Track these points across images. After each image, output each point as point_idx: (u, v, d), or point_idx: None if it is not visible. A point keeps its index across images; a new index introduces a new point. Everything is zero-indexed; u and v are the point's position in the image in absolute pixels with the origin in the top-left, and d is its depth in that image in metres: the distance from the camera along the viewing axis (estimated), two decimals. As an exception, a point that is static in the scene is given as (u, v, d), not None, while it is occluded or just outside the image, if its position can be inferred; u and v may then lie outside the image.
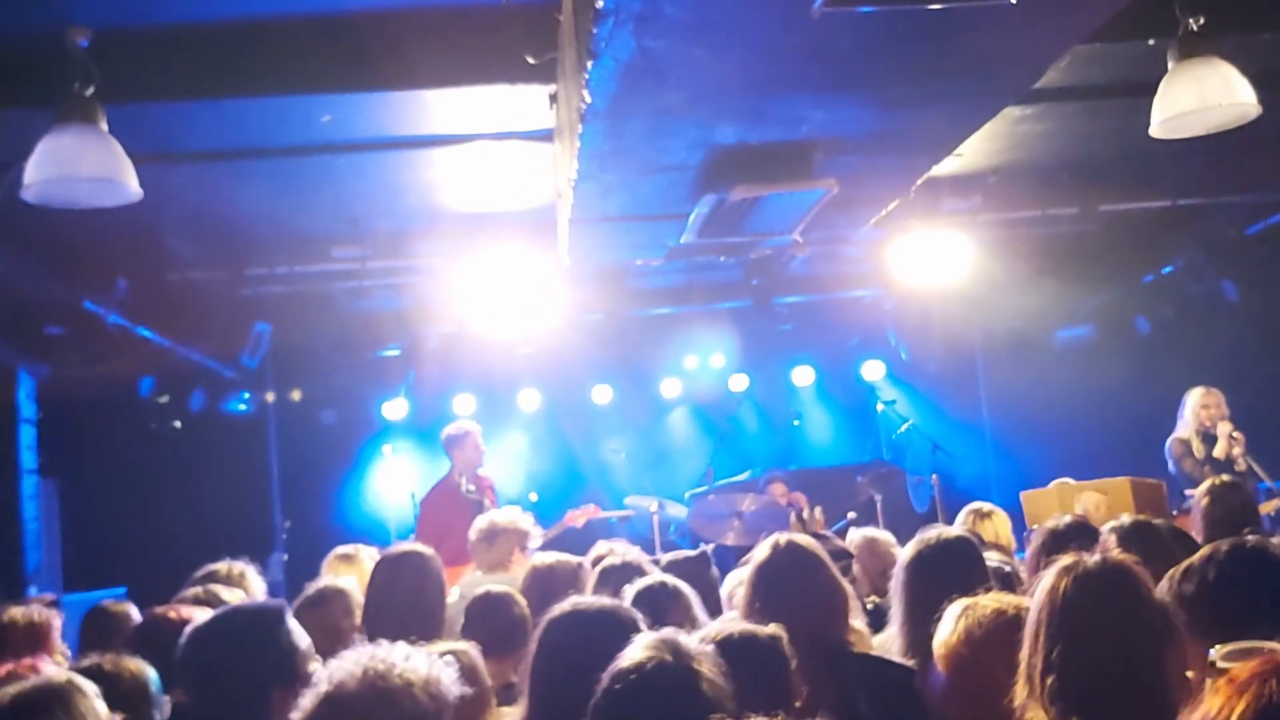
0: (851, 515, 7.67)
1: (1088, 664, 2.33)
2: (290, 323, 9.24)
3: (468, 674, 2.64)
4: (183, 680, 2.90)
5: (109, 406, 9.59)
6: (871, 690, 3.19)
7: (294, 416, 10.99)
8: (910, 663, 3.26)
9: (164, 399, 9.72)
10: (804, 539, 3.56)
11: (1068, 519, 4.24)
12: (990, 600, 2.89)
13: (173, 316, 8.33)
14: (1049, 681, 2.34)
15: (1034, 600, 2.48)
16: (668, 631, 2.38)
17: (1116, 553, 2.53)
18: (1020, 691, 2.42)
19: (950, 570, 3.39)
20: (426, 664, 2.25)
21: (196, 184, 6.79)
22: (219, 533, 8.75)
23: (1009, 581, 4.02)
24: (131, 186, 4.92)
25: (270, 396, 10.59)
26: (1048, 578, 2.47)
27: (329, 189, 7.22)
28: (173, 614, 3.54)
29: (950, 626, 2.84)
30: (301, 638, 2.92)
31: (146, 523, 9.30)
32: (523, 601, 4.09)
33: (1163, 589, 2.60)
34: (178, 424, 10.09)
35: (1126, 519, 4.06)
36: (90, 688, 2.46)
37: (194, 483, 9.60)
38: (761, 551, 3.54)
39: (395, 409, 11.38)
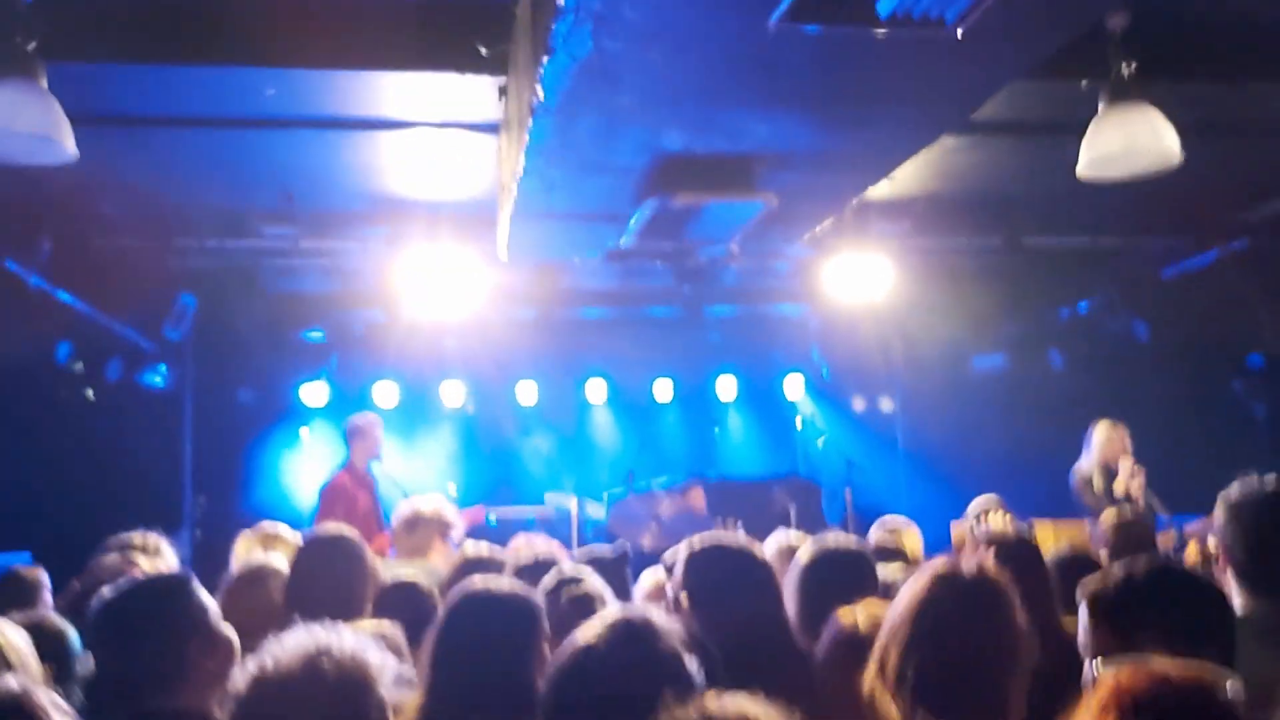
0: (737, 523, 7.76)
1: (941, 664, 2.43)
2: (214, 298, 9.10)
3: (396, 655, 2.67)
4: (97, 645, 2.90)
5: (22, 371, 9.35)
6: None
7: (211, 393, 10.81)
8: None
9: (79, 366, 9.50)
10: (731, 536, 3.63)
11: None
12: (870, 607, 2.99)
13: (96, 283, 8.16)
14: (903, 672, 2.43)
15: (903, 596, 2.57)
16: (629, 607, 2.40)
17: (991, 567, 2.64)
18: (870, 675, 2.50)
19: (841, 576, 3.49)
20: (364, 646, 2.25)
21: (132, 149, 6.69)
22: (126, 505, 8.62)
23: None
24: (68, 146, 4.85)
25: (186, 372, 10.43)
26: (921, 578, 2.57)
27: (266, 164, 7.16)
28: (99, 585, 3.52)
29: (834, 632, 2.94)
30: (210, 601, 2.96)
31: (52, 489, 9.08)
32: (433, 591, 4.11)
33: (1079, 596, 2.71)
34: (91, 393, 9.87)
35: (1011, 536, 4.18)
36: (20, 636, 2.46)
37: (104, 453, 9.40)
38: (683, 551, 3.59)
39: (315, 393, 11.26)
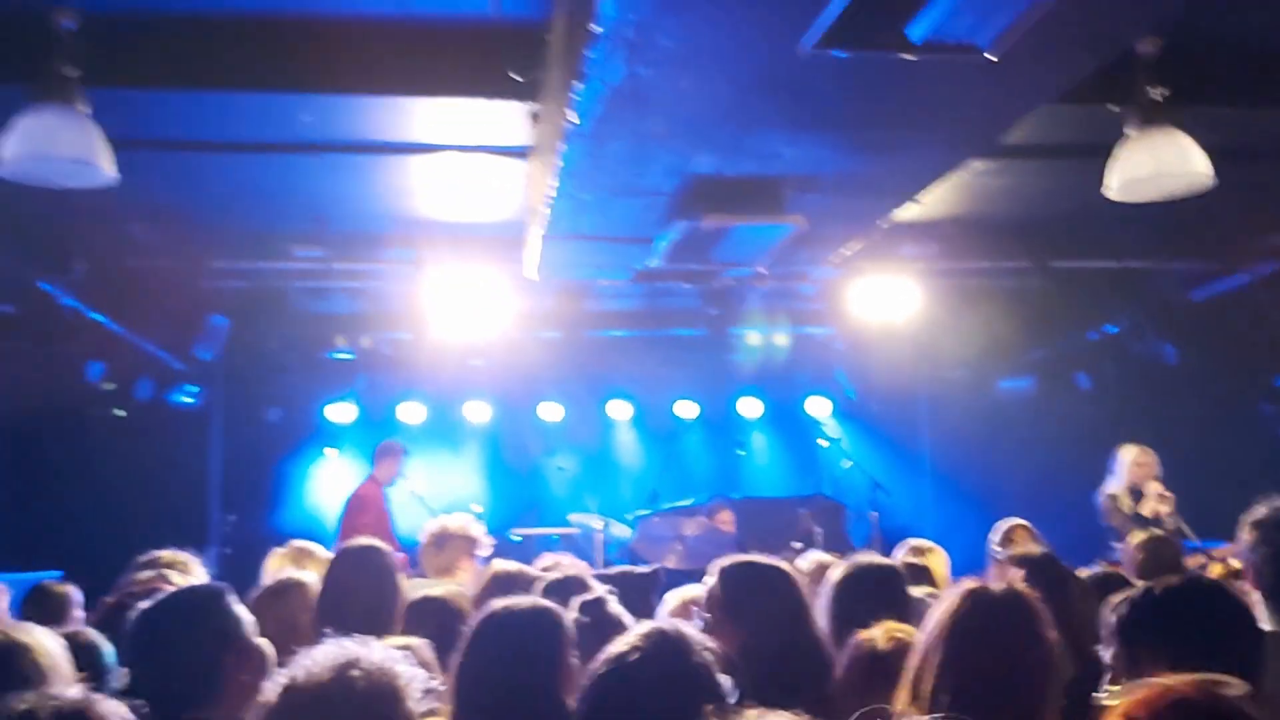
0: (797, 546, 7.77)
1: (973, 683, 2.43)
2: (245, 319, 9.19)
3: (424, 669, 2.68)
4: (133, 656, 2.91)
5: (54, 389, 9.45)
6: None
7: (240, 413, 10.90)
8: None
9: (111, 386, 9.59)
10: (762, 558, 3.64)
11: None
12: (889, 629, 2.99)
13: (128, 303, 8.25)
14: (936, 693, 2.43)
15: (934, 615, 2.57)
16: (662, 621, 2.41)
17: (1020, 585, 2.64)
18: (903, 698, 2.51)
19: (874, 595, 3.49)
20: (394, 660, 2.27)
21: (167, 172, 6.77)
22: (155, 523, 8.68)
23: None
24: (107, 170, 4.93)
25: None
26: (951, 597, 2.57)
27: (298, 188, 7.24)
28: (131, 602, 3.55)
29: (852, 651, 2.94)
30: (246, 614, 2.97)
31: (84, 507, 9.18)
32: (464, 607, 4.13)
33: (1106, 617, 2.71)
34: (122, 412, 9.96)
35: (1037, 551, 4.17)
36: (56, 642, 2.49)
37: (134, 471, 9.49)
38: (714, 570, 3.61)
39: (342, 412, 11.33)
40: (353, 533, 6.54)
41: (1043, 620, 2.54)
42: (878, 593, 3.51)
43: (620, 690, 2.26)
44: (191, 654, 2.80)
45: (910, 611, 3.51)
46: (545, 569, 4.84)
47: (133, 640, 2.90)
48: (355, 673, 2.17)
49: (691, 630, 2.41)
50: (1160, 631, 2.56)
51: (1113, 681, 2.54)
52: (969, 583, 2.62)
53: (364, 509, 8.31)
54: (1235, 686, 1.80)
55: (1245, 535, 3.15)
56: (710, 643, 2.40)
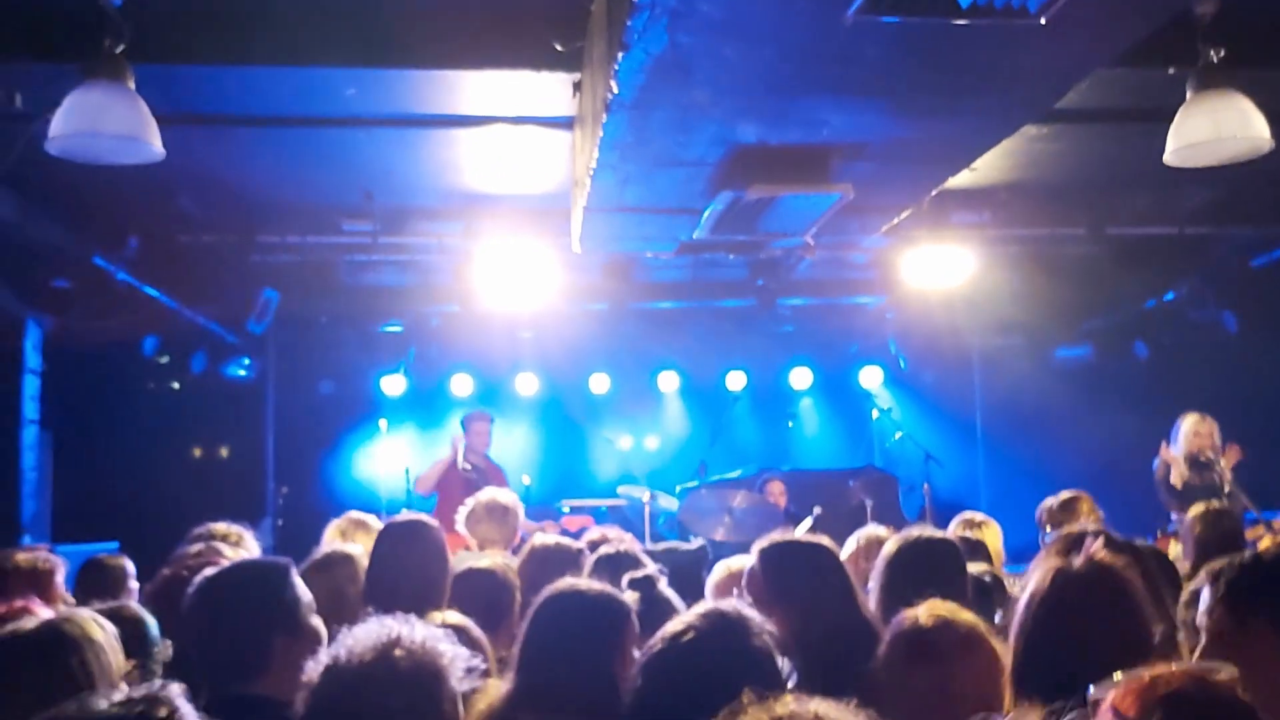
0: (816, 510, 7.69)
1: (1065, 656, 2.38)
2: (295, 292, 9.27)
3: (471, 648, 2.69)
4: (189, 628, 2.95)
5: (110, 363, 9.62)
6: None
7: (293, 385, 11.02)
8: None
9: (165, 359, 9.74)
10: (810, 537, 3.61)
11: None
12: (932, 608, 2.93)
13: (181, 278, 8.36)
14: (1025, 670, 2.39)
15: (1020, 602, 2.53)
16: (723, 602, 2.40)
17: (1104, 556, 2.58)
18: (1006, 695, 2.47)
19: (928, 570, 3.44)
20: (437, 638, 2.27)
21: (215, 148, 6.82)
22: (210, 495, 8.84)
23: (989, 592, 4.04)
24: (155, 146, 4.95)
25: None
26: (1036, 576, 2.52)
27: (346, 162, 7.25)
28: (185, 571, 3.60)
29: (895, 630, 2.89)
30: (304, 593, 2.98)
31: (139, 480, 9.35)
32: (511, 579, 4.14)
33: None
34: (176, 385, 10.12)
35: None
36: (107, 630, 2.52)
37: (189, 444, 9.66)
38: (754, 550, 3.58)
39: (393, 384, 11.42)
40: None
41: (1134, 592, 2.48)
42: (932, 569, 3.46)
43: (675, 669, 2.25)
44: (243, 627, 2.83)
45: (965, 589, 3.46)
46: (592, 542, 4.86)
47: (190, 610, 2.93)
48: (398, 652, 2.18)
49: (751, 612, 2.38)
50: (1261, 597, 2.48)
51: (1210, 651, 2.47)
52: (1053, 561, 2.56)
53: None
54: (1226, 672, 1.76)
55: None
56: (770, 625, 2.37)
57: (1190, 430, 7.87)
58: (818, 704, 1.78)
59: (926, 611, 2.90)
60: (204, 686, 2.74)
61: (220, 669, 2.80)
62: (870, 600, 3.53)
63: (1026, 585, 2.52)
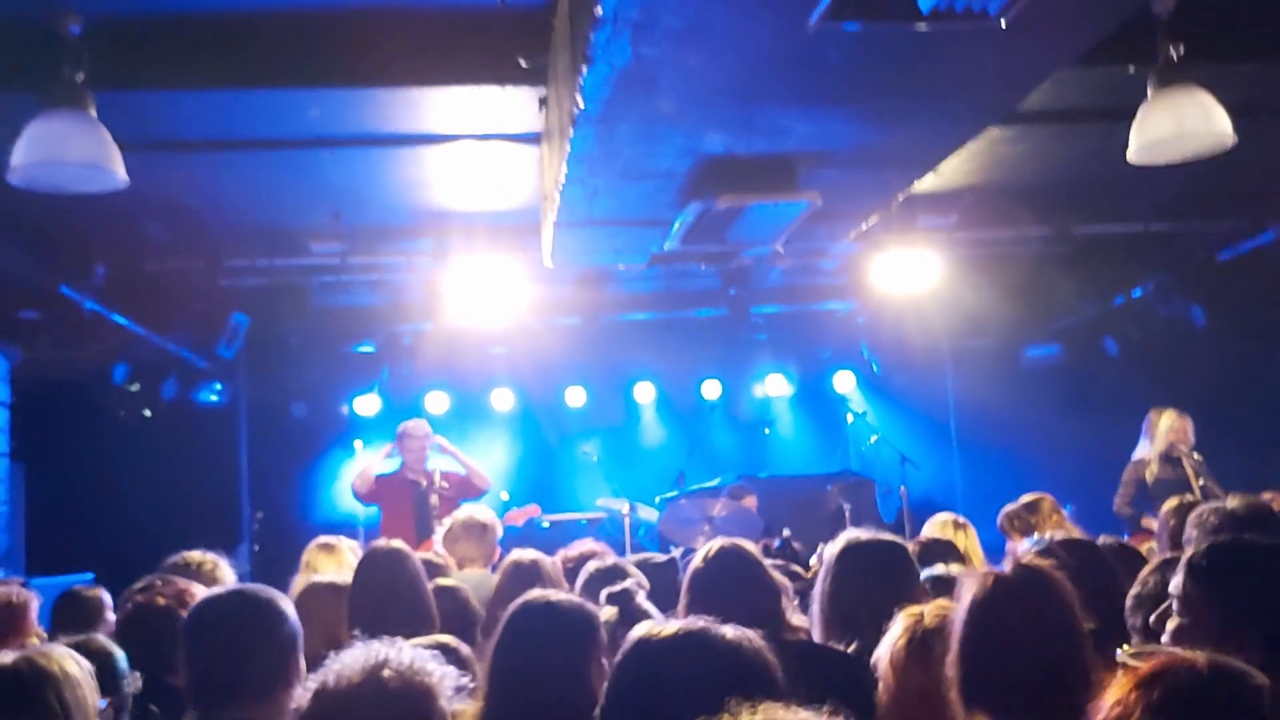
0: (785, 532, 7.68)
1: (999, 665, 2.39)
2: (265, 315, 9.22)
3: (460, 667, 2.67)
4: (200, 650, 2.90)
5: (80, 392, 9.53)
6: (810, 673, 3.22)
7: (265, 409, 10.94)
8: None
9: (136, 387, 9.64)
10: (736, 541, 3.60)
11: None
12: (936, 606, 2.94)
13: (149, 305, 8.29)
14: (963, 681, 2.40)
15: (959, 609, 2.54)
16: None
17: (1031, 560, 2.60)
18: (952, 697, 2.47)
19: (878, 572, 3.45)
20: (424, 659, 2.26)
21: (179, 173, 6.78)
22: (186, 522, 8.73)
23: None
24: (118, 173, 4.92)
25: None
26: (970, 585, 2.53)
27: (312, 183, 7.23)
28: (159, 600, 3.58)
29: (896, 631, 2.89)
30: (297, 621, 2.99)
31: (113, 509, 9.24)
32: (471, 596, 4.14)
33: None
34: (148, 412, 10.02)
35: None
36: (83, 667, 2.49)
37: (162, 471, 9.55)
38: (695, 559, 3.58)
39: (367, 405, 11.36)
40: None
41: (1062, 592, 2.49)
42: (882, 571, 3.47)
43: (647, 672, 2.23)
44: (259, 653, 2.82)
45: (915, 589, 3.47)
46: (575, 555, 4.86)
47: (189, 634, 2.91)
48: (387, 673, 2.17)
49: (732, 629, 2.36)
50: (1234, 583, 2.51)
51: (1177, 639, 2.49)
52: (986, 569, 2.58)
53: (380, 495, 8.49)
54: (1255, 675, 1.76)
55: None
56: (751, 634, 2.35)
57: (1168, 426, 7.93)
58: (794, 714, 1.76)
59: (931, 609, 2.90)
60: (200, 707, 2.73)
61: (214, 694, 2.78)
62: (815, 603, 3.53)
63: (960, 598, 2.53)
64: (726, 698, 1.81)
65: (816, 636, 3.45)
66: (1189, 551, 2.70)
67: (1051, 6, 3.86)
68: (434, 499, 7.93)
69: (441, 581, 4.27)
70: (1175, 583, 2.60)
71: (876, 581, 3.34)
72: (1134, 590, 3.05)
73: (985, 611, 2.45)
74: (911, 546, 4.62)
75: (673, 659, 2.23)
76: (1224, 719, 1.70)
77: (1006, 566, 2.58)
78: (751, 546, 3.60)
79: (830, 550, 3.62)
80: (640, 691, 2.24)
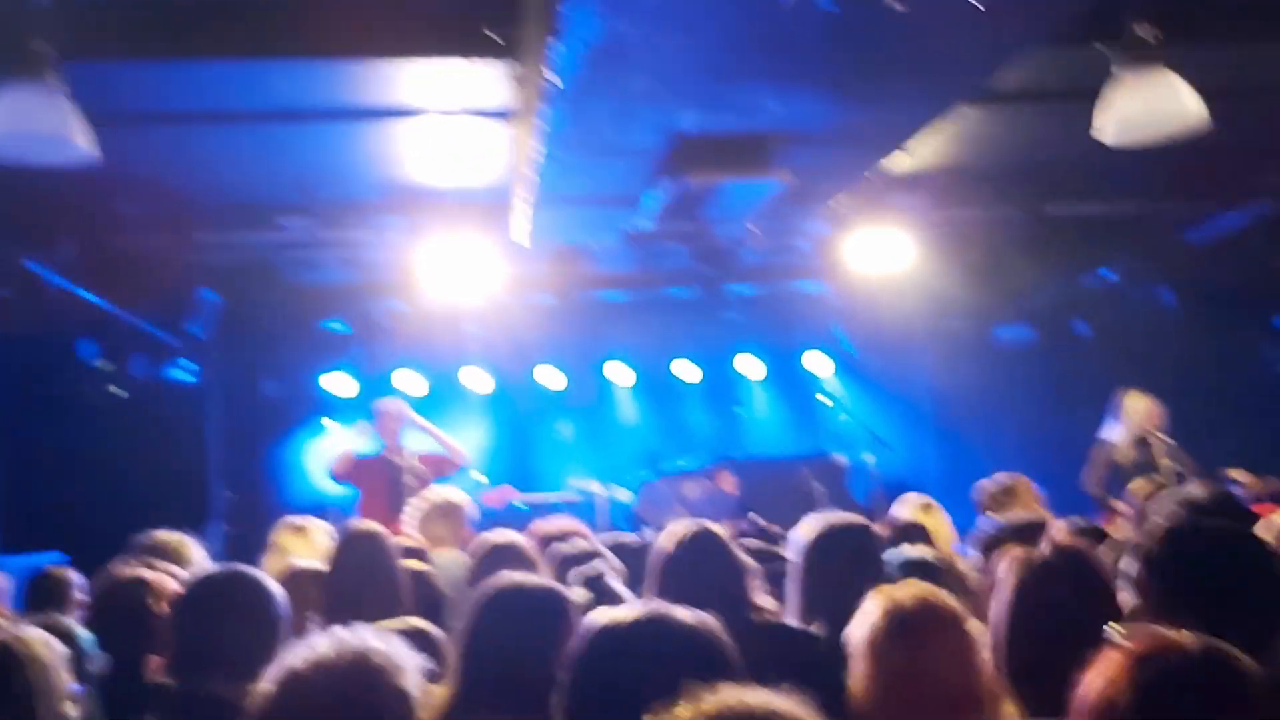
0: (752, 516, 7.70)
1: (1047, 643, 2.42)
2: (236, 291, 9.14)
3: (433, 651, 2.67)
4: (190, 623, 3.00)
5: (47, 370, 9.43)
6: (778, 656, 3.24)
7: (235, 387, 10.86)
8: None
9: (103, 364, 9.55)
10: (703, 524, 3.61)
11: None
12: (913, 588, 2.95)
13: (117, 280, 8.19)
14: (1009, 660, 2.43)
15: (996, 595, 2.56)
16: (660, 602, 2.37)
17: (1067, 540, 2.62)
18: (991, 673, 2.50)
19: (848, 555, 3.47)
20: (387, 643, 2.26)
21: (148, 147, 6.70)
22: (155, 501, 8.68)
23: (935, 575, 4.06)
24: (84, 147, 4.87)
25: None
26: (1012, 567, 2.56)
27: (282, 157, 7.15)
28: (133, 581, 3.60)
29: (872, 613, 2.90)
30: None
31: (82, 488, 9.16)
32: (437, 580, 4.14)
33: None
34: (116, 389, 9.93)
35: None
36: (57, 650, 2.49)
37: (130, 449, 9.47)
38: (662, 542, 3.58)
39: (339, 382, 11.30)
40: None
41: (1102, 570, 2.55)
42: (851, 553, 3.50)
43: (606, 657, 2.23)
44: (246, 630, 2.90)
45: (881, 571, 3.50)
46: (554, 531, 4.86)
47: (190, 604, 3.04)
48: (348, 656, 2.17)
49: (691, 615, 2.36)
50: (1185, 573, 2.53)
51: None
52: (1016, 552, 2.60)
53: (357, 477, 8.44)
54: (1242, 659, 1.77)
55: None
56: (708, 618, 2.35)
57: (1137, 409, 8.02)
58: (753, 695, 1.76)
59: (907, 591, 2.91)
60: (190, 683, 2.79)
61: (198, 667, 2.86)
62: (791, 585, 3.55)
63: (998, 579, 2.56)
64: (683, 682, 1.81)
65: (792, 618, 3.46)
66: (1138, 535, 2.74)
67: (1023, -14, 3.86)
68: (409, 479, 7.90)
69: (412, 564, 4.26)
70: (1124, 564, 2.64)
71: (850, 564, 3.35)
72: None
73: (1033, 590, 2.47)
74: (882, 528, 4.66)
75: (629, 644, 2.23)
76: (1211, 700, 1.71)
77: (1045, 548, 2.59)
78: (718, 529, 3.60)
79: (803, 533, 3.64)
80: (597, 678, 2.25)
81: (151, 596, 3.57)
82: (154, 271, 8.30)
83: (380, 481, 8.16)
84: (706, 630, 2.26)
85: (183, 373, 10.09)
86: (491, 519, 7.90)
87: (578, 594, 3.21)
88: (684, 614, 2.28)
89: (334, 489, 9.09)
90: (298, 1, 5.13)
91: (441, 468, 8.25)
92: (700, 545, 3.49)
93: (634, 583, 3.75)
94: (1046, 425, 10.09)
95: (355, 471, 8.40)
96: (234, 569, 3.21)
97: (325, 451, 9.04)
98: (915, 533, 4.88)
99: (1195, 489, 4.01)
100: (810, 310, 11.76)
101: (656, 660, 2.17)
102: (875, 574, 3.33)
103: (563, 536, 4.72)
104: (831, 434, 11.55)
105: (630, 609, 2.32)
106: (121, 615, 3.49)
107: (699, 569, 3.40)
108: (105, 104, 5.32)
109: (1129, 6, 5.02)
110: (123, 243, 8.07)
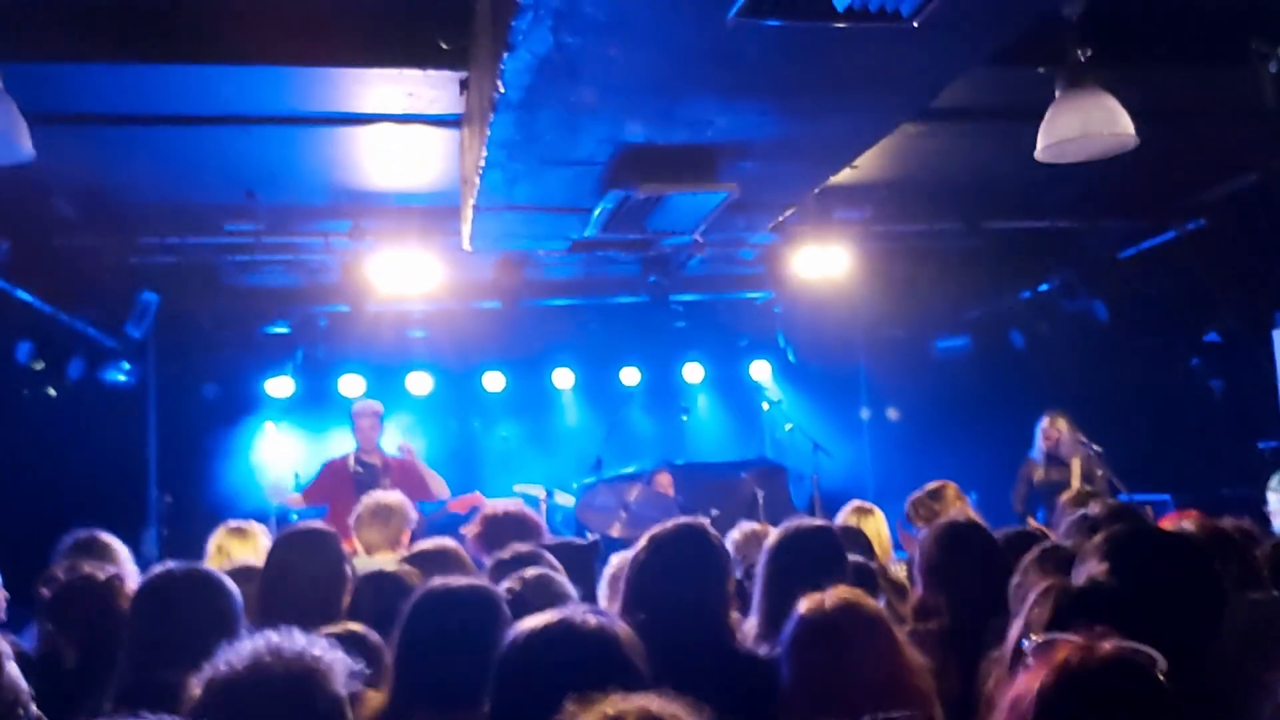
0: (714, 513, 7.77)
1: None
2: (176, 294, 9.04)
3: (370, 656, 2.68)
4: (149, 613, 3.09)
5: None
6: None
7: (175, 390, 10.73)
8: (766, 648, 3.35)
9: (40, 365, 9.40)
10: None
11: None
12: (839, 593, 2.95)
13: (56, 282, 8.08)
14: None
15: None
16: (571, 608, 2.43)
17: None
18: None
19: (810, 559, 3.52)
20: (317, 646, 2.27)
21: (90, 148, 6.64)
22: (91, 502, 8.54)
23: (870, 580, 4.12)
24: (25, 146, 4.81)
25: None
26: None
27: (226, 161, 7.10)
28: (95, 573, 3.62)
29: (795, 617, 2.93)
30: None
31: (16, 488, 9.00)
32: (411, 580, 4.09)
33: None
34: (53, 391, 9.77)
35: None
36: (4, 650, 2.47)
37: (68, 451, 9.32)
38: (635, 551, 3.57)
39: (281, 386, 11.20)
40: None
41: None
42: (813, 558, 3.54)
43: (521, 665, 2.29)
44: (203, 622, 2.96)
45: (846, 575, 3.54)
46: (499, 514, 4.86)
47: (150, 596, 3.13)
48: (273, 661, 2.19)
49: (601, 615, 2.42)
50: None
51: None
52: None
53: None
54: (1155, 659, 1.84)
55: None
56: (617, 622, 2.42)
57: (1047, 430, 8.44)
58: (650, 700, 1.79)
59: (831, 596, 2.96)
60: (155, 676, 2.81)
61: (154, 657, 2.93)
62: (755, 589, 3.59)
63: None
64: (587, 687, 1.86)
65: (755, 626, 3.48)
66: None
67: (964, 8, 3.96)
68: (385, 481, 7.85)
69: (385, 568, 4.22)
70: None
71: (814, 566, 3.39)
72: (1015, 580, 3.19)
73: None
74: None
75: (540, 651, 2.32)
76: (1125, 705, 1.77)
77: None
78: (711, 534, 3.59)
79: (769, 540, 3.67)
80: (514, 683, 2.34)
81: (112, 594, 3.61)
82: (94, 273, 8.21)
83: (347, 490, 8.05)
84: (612, 635, 2.35)
85: (121, 375, 9.95)
86: (456, 522, 7.88)
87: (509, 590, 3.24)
88: (591, 618, 2.35)
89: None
90: (248, 7, 5.10)
91: (413, 482, 8.14)
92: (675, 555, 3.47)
93: (577, 584, 3.76)
94: (982, 434, 10.27)
95: (321, 487, 8.33)
96: (192, 566, 3.26)
97: (273, 490, 8.86)
98: (853, 537, 4.96)
99: (1095, 506, 4.21)
100: (755, 319, 11.87)
101: (561, 666, 2.27)
102: (840, 576, 3.37)
103: (514, 518, 4.78)
104: (773, 440, 11.65)
105: (544, 616, 2.38)
106: (84, 612, 3.56)
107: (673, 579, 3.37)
108: (48, 104, 5.29)
109: (1067, 30, 5.14)
110: (63, 244, 7.98)
